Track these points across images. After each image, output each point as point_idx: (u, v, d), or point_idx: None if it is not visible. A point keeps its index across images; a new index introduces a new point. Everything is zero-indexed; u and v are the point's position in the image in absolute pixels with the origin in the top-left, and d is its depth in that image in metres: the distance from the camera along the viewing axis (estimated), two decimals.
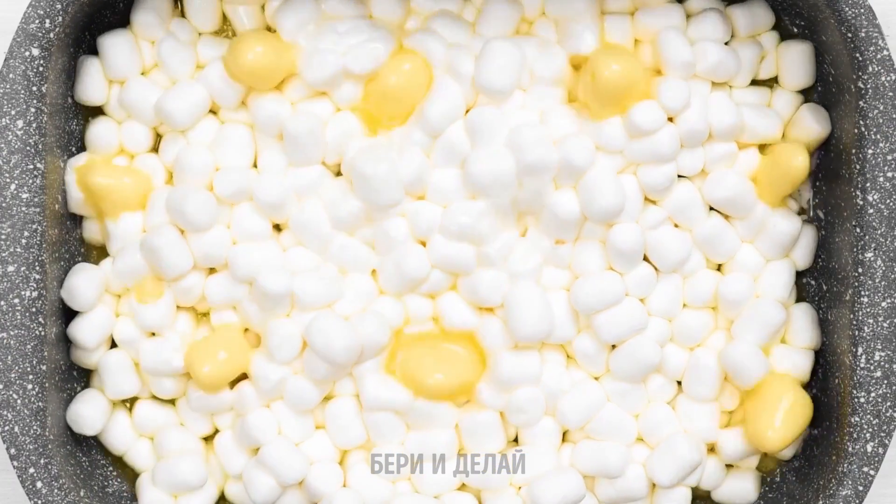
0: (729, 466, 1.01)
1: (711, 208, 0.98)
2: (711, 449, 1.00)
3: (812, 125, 0.97)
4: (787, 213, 0.98)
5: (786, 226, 0.98)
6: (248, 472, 0.97)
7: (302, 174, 0.96)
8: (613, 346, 0.98)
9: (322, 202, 0.96)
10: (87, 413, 0.97)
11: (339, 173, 0.98)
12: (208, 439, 1.00)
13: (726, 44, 0.98)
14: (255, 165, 0.98)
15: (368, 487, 0.97)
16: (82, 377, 1.00)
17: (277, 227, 0.98)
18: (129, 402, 1.00)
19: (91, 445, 1.00)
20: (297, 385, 0.96)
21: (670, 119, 0.96)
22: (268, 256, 0.96)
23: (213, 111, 0.98)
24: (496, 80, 0.95)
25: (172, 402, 1.00)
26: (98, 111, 0.99)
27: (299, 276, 0.96)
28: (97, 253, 1.00)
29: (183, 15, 0.99)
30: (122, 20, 0.98)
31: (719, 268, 0.99)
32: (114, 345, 0.99)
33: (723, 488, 1.01)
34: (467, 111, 0.96)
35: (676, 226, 0.98)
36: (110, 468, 1.00)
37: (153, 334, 0.98)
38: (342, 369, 0.96)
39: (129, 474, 1.01)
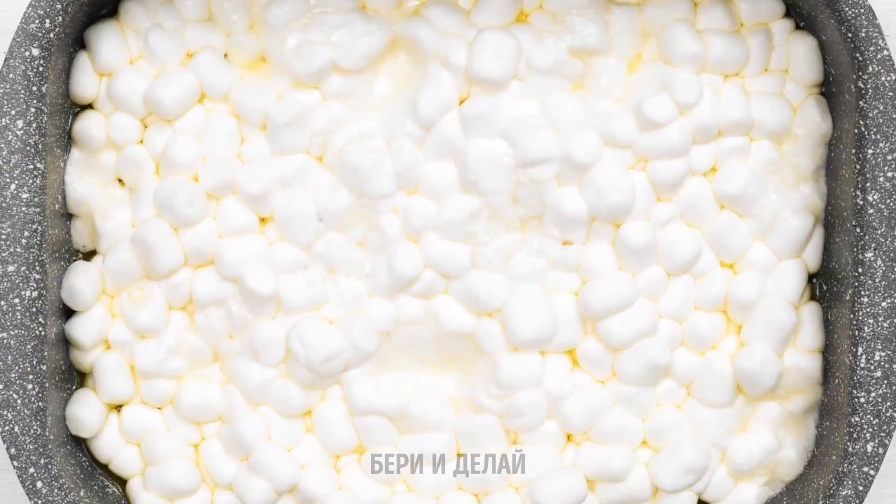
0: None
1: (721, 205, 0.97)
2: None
3: (816, 119, 0.97)
4: (799, 209, 0.97)
5: (797, 221, 0.96)
6: (239, 479, 0.96)
7: (286, 163, 0.95)
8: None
9: (309, 194, 0.95)
10: (84, 415, 0.96)
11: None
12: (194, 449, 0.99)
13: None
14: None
15: (363, 489, 0.97)
16: (82, 378, 0.99)
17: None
18: (116, 409, 0.99)
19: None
20: (284, 389, 0.95)
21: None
22: (254, 252, 0.94)
23: (197, 101, 0.97)
24: (489, 70, 0.94)
25: (158, 409, 0.98)
26: (89, 108, 0.98)
27: (285, 279, 0.95)
28: (83, 258, 0.99)
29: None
30: None
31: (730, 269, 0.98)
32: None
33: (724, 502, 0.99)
34: (461, 105, 0.95)
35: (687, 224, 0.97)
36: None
37: (144, 336, 0.96)
38: (328, 378, 0.95)
39: (115, 480, 1.00)
